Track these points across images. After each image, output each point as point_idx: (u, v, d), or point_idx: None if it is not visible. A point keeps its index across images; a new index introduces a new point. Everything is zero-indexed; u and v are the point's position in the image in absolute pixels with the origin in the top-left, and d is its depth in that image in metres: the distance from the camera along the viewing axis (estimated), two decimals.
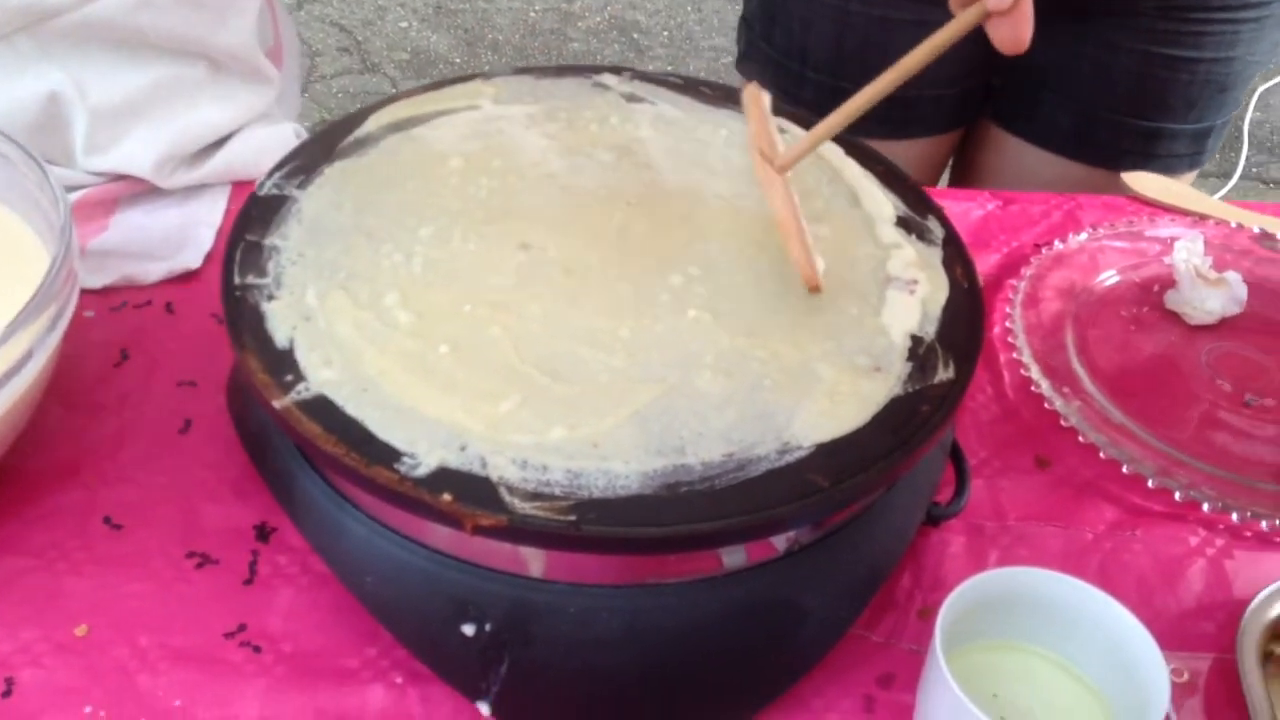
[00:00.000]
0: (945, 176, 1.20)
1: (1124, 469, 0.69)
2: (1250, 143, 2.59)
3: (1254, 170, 2.57)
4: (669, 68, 2.69)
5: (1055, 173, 1.07)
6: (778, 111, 0.71)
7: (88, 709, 0.54)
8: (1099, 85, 1.02)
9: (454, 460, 0.51)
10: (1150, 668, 0.54)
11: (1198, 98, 1.00)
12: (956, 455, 0.66)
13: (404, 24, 2.78)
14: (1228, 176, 2.53)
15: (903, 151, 1.05)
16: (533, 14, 2.85)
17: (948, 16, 1.00)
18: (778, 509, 0.51)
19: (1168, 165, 1.05)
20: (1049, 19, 1.00)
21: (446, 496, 0.50)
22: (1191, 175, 1.09)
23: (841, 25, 1.01)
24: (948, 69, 1.03)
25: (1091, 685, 0.58)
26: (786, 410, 0.55)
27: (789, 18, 1.04)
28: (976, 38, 1.04)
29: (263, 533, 0.62)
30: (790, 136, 0.71)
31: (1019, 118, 1.07)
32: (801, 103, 0.83)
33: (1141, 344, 0.80)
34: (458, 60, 2.68)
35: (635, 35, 2.79)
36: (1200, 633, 0.63)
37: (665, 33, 2.81)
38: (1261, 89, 2.71)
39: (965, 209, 0.90)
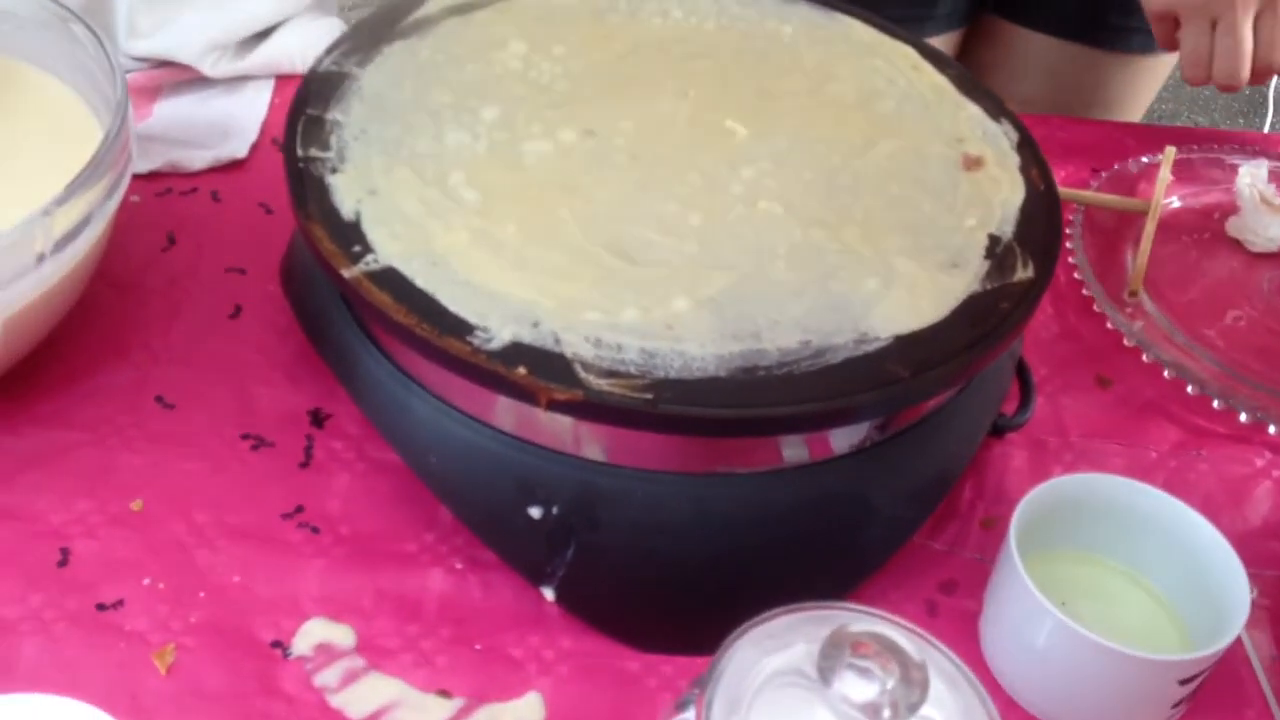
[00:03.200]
0: None
1: (1189, 389, 0.68)
2: (1275, 109, 2.56)
3: None
4: None
5: (1063, 59, 1.04)
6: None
7: (146, 580, 0.53)
8: None
9: (527, 335, 0.50)
10: (1229, 582, 0.54)
11: None
12: (1021, 368, 0.65)
13: None
14: None
15: None
16: None
17: None
18: (859, 396, 0.50)
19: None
20: None
21: (521, 370, 0.48)
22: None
23: None
24: None
25: (1163, 598, 0.57)
26: (863, 301, 0.54)
27: None
28: None
29: (317, 418, 0.61)
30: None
31: (1024, 6, 1.05)
32: None
33: (1203, 269, 0.78)
34: None
35: None
36: (1269, 551, 0.62)
37: None
38: None
39: None
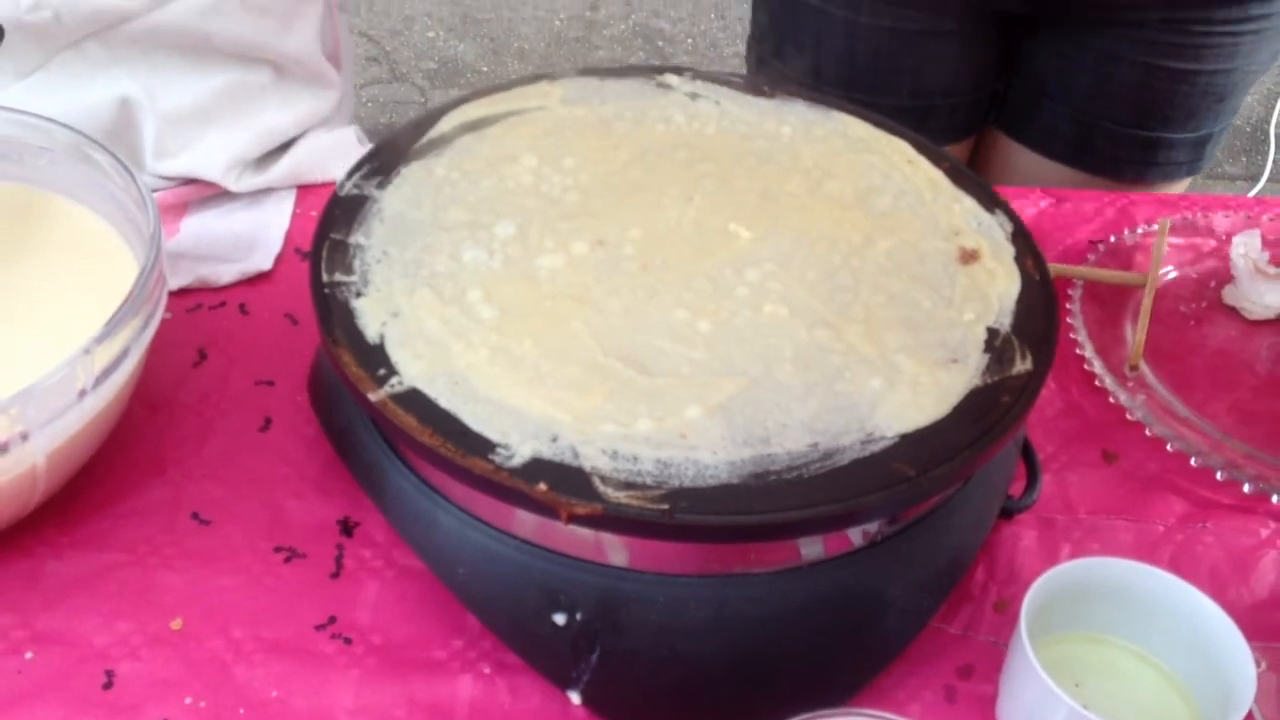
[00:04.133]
0: None
1: (1192, 462, 0.70)
2: (1277, 145, 2.58)
3: None
4: None
5: (1057, 179, 1.07)
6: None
7: (188, 700, 0.55)
8: (1099, 95, 1.02)
9: (547, 451, 0.52)
10: (1234, 658, 0.55)
11: (1197, 108, 1.00)
12: (1027, 449, 0.67)
13: (431, 34, 2.80)
14: (1255, 179, 2.52)
15: None
16: (558, 23, 2.87)
17: (956, 25, 1.01)
18: (867, 497, 0.52)
19: (1166, 173, 1.05)
20: (1052, 28, 1.01)
21: (542, 486, 0.50)
22: (1188, 180, 1.09)
23: (853, 38, 1.01)
24: (963, 77, 1.04)
25: (1174, 677, 0.58)
26: (868, 401, 0.56)
27: (801, 33, 1.04)
28: (989, 45, 1.04)
29: (346, 527, 0.63)
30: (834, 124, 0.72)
31: (1021, 124, 1.08)
32: None
33: (1201, 339, 0.80)
34: (485, 69, 2.69)
35: (660, 43, 2.80)
36: (1276, 623, 0.63)
37: (689, 39, 2.82)
38: None
39: (1018, 206, 0.89)
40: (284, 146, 0.85)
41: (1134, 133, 1.03)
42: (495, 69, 2.69)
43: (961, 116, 1.07)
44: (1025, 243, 0.66)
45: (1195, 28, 0.97)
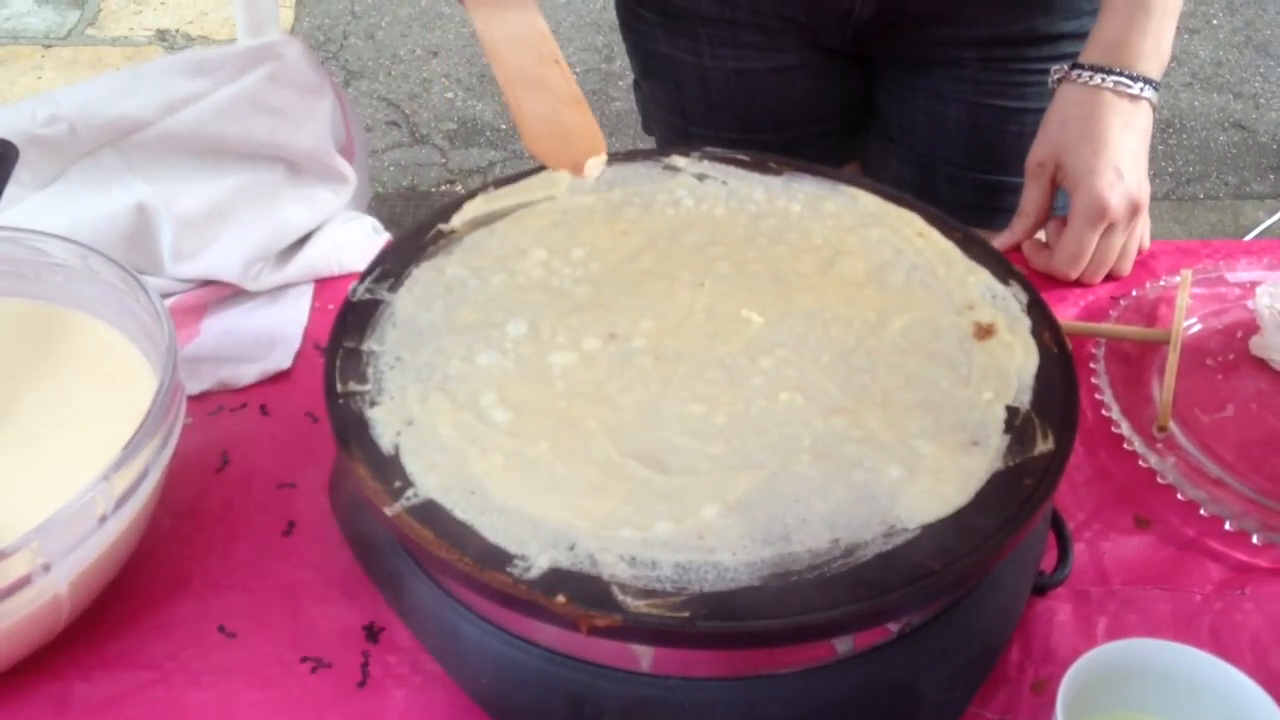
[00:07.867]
0: None
1: (1226, 525, 0.68)
2: None
3: None
4: None
5: None
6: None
7: None
8: (935, 137, 1.01)
9: (565, 560, 0.52)
10: None
11: (1029, 150, 0.92)
12: (1057, 521, 0.66)
13: (449, 94, 2.83)
14: None
15: None
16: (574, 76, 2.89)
17: (798, 59, 1.00)
18: (891, 595, 0.51)
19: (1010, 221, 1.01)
20: (887, 68, 1.00)
21: (560, 598, 0.50)
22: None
23: (704, 81, 1.03)
24: (823, 107, 1.04)
25: None
26: (888, 491, 0.55)
27: (663, 78, 1.06)
28: (841, 78, 1.01)
29: (372, 633, 0.63)
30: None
31: (875, 170, 1.08)
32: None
33: (1231, 393, 0.79)
34: (503, 127, 2.72)
35: None
36: None
37: None
38: None
39: None
40: (300, 242, 0.85)
41: (972, 176, 1.01)
42: (513, 127, 2.72)
43: (836, 142, 1.06)
44: (1042, 315, 0.65)
45: (1012, 65, 0.96)
